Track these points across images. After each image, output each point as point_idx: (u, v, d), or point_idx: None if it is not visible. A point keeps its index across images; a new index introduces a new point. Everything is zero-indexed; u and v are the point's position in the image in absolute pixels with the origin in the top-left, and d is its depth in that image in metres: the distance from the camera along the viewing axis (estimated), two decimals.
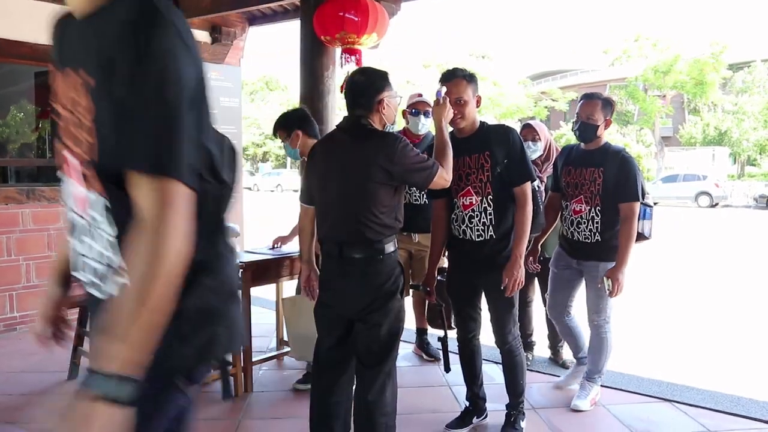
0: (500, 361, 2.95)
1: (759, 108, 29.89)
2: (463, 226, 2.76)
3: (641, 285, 7.37)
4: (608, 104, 3.14)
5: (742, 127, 29.90)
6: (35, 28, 4.68)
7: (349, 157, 2.35)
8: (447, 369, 2.88)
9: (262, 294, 4.96)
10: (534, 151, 3.64)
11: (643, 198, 3.13)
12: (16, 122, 6.92)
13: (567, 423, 3.10)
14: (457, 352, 3.03)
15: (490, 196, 2.70)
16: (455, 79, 2.67)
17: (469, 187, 2.72)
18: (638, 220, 3.11)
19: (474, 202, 2.72)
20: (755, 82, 31.68)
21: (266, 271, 3.59)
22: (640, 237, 3.18)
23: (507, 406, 2.96)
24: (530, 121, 3.83)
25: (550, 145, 3.78)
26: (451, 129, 2.79)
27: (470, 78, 2.72)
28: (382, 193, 2.31)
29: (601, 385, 3.49)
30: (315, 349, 2.56)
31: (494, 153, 2.67)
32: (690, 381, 3.64)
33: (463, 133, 2.75)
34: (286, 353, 3.98)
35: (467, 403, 3.07)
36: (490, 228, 2.72)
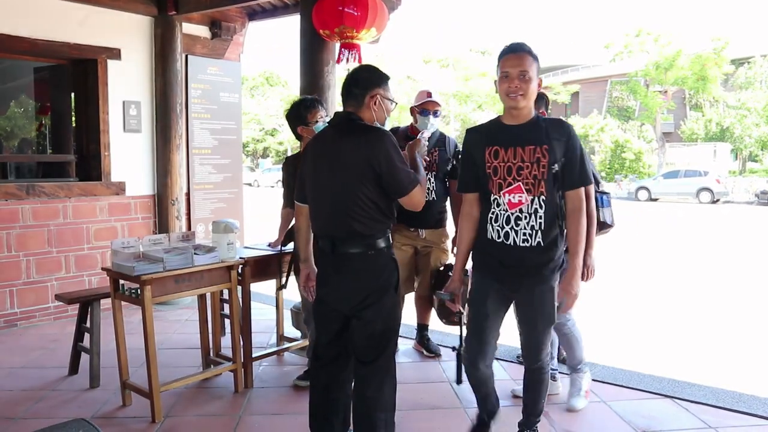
0: (503, 358, 2.91)
1: (762, 104, 29.83)
2: (507, 228, 2.40)
3: (642, 281, 7.37)
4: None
5: (745, 123, 29.85)
6: (35, 23, 4.68)
7: (338, 153, 2.35)
8: (459, 381, 2.70)
9: (262, 290, 4.96)
10: None
11: (597, 186, 3.07)
12: (16, 117, 6.91)
13: (568, 419, 3.09)
14: (465, 373, 2.67)
15: (543, 196, 2.37)
16: (521, 52, 2.39)
17: (520, 183, 2.37)
18: (598, 208, 3.04)
19: (524, 201, 2.37)
20: (756, 77, 31.62)
21: (266, 267, 3.58)
22: (604, 225, 3.14)
23: (520, 424, 2.70)
24: None
25: None
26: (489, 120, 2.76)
27: (535, 56, 2.44)
28: (371, 188, 2.30)
29: (603, 382, 3.49)
30: (313, 346, 2.56)
31: (553, 148, 2.37)
32: (692, 377, 3.63)
33: (517, 119, 2.42)
34: (287, 349, 3.97)
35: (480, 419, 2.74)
36: (539, 233, 2.38)
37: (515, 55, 2.37)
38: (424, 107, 3.69)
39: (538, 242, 2.38)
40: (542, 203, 2.37)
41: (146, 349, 3.00)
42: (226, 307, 3.79)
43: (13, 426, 3.00)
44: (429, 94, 3.73)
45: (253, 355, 3.57)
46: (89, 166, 5.20)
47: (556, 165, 2.36)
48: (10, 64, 5.64)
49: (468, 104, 33.94)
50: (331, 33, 3.91)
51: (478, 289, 2.54)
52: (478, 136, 2.48)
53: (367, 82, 2.39)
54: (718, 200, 22.25)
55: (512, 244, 2.40)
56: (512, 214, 2.40)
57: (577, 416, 3.13)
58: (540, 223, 2.37)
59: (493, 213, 2.44)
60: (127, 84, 5.25)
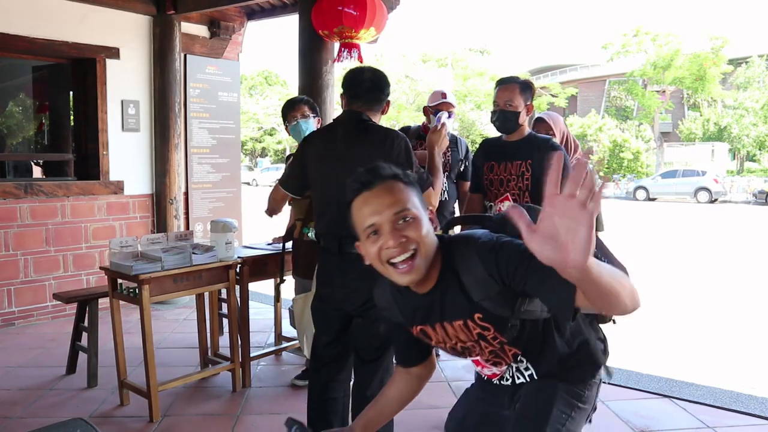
0: None
1: (759, 104, 29.88)
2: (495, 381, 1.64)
3: (639, 281, 7.37)
4: (527, 88, 2.83)
5: (742, 123, 29.90)
6: (33, 22, 4.68)
7: (350, 152, 2.34)
8: None
9: (260, 289, 4.96)
10: None
11: None
12: (15, 116, 6.90)
13: None
14: None
15: (521, 352, 1.51)
16: (387, 181, 1.50)
17: (478, 359, 1.57)
18: None
19: (498, 372, 1.59)
20: (755, 77, 31.67)
21: (264, 266, 3.58)
22: None
23: None
24: (543, 114, 3.47)
25: (566, 138, 3.41)
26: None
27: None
28: None
29: (601, 381, 3.49)
30: (312, 345, 2.56)
31: (500, 302, 1.36)
32: (689, 377, 3.64)
33: (424, 285, 1.39)
34: (285, 349, 3.97)
35: None
36: (531, 372, 1.55)
37: (378, 193, 1.32)
38: (439, 108, 3.69)
39: (531, 376, 1.56)
40: (525, 362, 1.53)
41: (144, 348, 3.00)
42: (225, 306, 3.79)
43: (10, 425, 2.99)
44: (444, 95, 3.71)
45: (251, 355, 3.57)
46: (88, 165, 5.19)
47: (515, 314, 1.37)
48: (9, 63, 5.63)
49: (467, 103, 33.94)
50: (330, 33, 3.91)
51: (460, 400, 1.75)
52: (390, 306, 1.55)
53: (388, 87, 2.46)
54: (716, 200, 22.28)
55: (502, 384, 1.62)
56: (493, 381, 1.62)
57: None
58: (526, 368, 1.55)
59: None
60: (125, 83, 5.24)
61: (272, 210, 2.82)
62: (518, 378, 1.55)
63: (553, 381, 1.51)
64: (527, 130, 2.90)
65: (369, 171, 1.36)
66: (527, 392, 1.54)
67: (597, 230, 3.10)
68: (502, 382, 1.58)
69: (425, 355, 1.59)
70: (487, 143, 3.08)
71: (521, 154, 2.81)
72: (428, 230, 1.31)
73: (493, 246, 1.31)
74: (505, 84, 2.84)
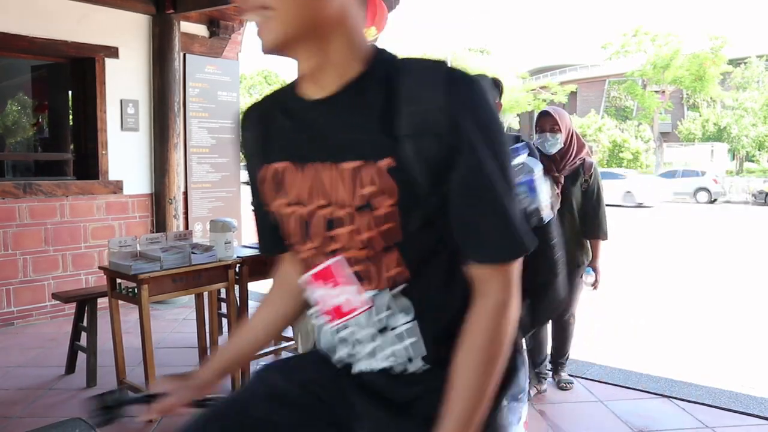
0: None
1: (759, 104, 29.91)
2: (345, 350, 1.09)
3: (638, 280, 7.37)
4: (495, 86, 2.78)
5: (742, 123, 29.94)
6: (33, 21, 4.67)
7: None
8: None
9: (260, 289, 4.95)
10: (552, 144, 3.10)
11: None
12: (14, 116, 6.90)
13: (564, 419, 3.09)
14: None
15: (401, 275, 0.95)
16: None
17: (340, 260, 0.99)
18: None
19: (356, 304, 0.98)
20: (753, 78, 31.71)
21: (264, 266, 3.58)
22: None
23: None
24: (549, 108, 3.30)
25: (572, 136, 3.21)
26: None
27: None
28: None
29: (600, 381, 3.50)
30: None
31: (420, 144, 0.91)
32: (688, 377, 3.64)
33: (320, 80, 0.96)
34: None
35: None
36: (411, 325, 0.97)
37: None
38: None
39: (421, 367, 0.99)
40: (409, 304, 0.95)
41: (143, 348, 3.00)
42: (224, 306, 3.79)
43: (10, 425, 2.99)
44: None
45: None
46: (87, 164, 5.19)
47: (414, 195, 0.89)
48: (8, 62, 5.63)
49: None
50: None
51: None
52: (253, 129, 1.13)
53: None
54: (715, 200, 22.29)
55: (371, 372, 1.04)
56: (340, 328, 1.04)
57: (574, 416, 3.13)
58: (411, 327, 0.96)
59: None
60: (124, 82, 5.24)
61: None
62: (387, 328, 0.97)
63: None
64: None
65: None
66: None
67: (600, 239, 3.08)
68: (351, 337, 1.02)
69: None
70: None
71: None
72: None
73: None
74: None
